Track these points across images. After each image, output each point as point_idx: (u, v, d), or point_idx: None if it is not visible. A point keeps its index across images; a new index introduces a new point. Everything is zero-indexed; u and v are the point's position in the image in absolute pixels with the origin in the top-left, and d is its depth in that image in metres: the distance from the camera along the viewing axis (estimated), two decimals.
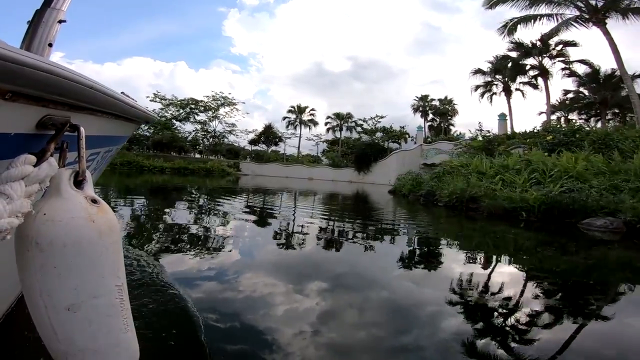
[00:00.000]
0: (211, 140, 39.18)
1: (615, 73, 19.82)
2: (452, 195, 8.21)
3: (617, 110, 20.85)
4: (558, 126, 12.66)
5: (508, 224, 5.96)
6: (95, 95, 0.72)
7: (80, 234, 0.64)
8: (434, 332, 1.68)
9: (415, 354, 1.42)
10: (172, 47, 75.33)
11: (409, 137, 36.99)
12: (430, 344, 1.53)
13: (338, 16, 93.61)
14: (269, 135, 40.02)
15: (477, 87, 25.92)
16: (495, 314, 1.98)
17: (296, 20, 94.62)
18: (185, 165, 29.69)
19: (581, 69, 20.72)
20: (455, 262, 3.34)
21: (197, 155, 38.02)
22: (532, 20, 16.59)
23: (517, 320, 1.87)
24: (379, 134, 37.09)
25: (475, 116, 67.16)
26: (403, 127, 38.18)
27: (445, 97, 38.05)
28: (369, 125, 38.80)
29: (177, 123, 37.04)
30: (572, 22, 15.59)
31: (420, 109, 38.20)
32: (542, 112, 30.95)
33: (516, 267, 3.38)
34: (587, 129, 11.75)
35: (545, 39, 18.42)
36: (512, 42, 20.35)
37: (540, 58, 20.24)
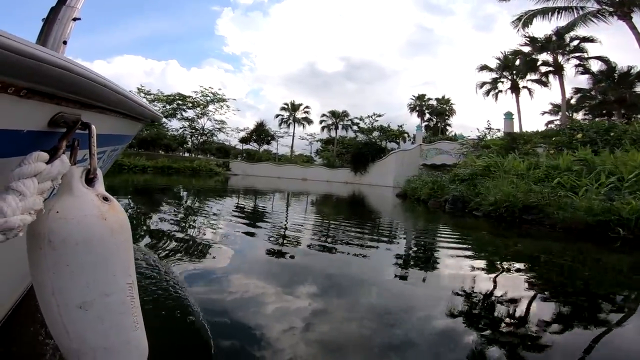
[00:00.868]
0: (200, 138, 38.92)
1: (632, 71, 20.03)
2: (501, 204, 6.88)
3: (623, 111, 21.13)
4: (587, 123, 11.97)
5: (596, 244, 4.71)
6: (107, 93, 0.75)
7: (92, 232, 0.67)
8: None
9: None
10: (164, 46, 77.32)
11: (408, 137, 37.34)
12: None
13: (332, 16, 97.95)
14: (260, 133, 39.93)
15: (483, 84, 26.10)
16: None
17: (290, 19, 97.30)
18: (169, 164, 29.18)
19: (595, 67, 20.58)
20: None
21: (186, 154, 37.74)
22: (550, 13, 16.39)
23: None
24: (375, 133, 37.33)
25: (469, 117, 69.00)
26: (401, 126, 38.54)
27: (443, 97, 38.69)
28: (365, 124, 39.06)
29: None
30: (591, 17, 15.49)
31: (417, 108, 38.64)
32: (545, 112, 31.66)
33: None
34: (622, 126, 10.72)
35: (562, 32, 18.21)
36: (525, 36, 20.20)
37: (555, 54, 20.00)
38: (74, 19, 1.63)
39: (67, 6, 1.58)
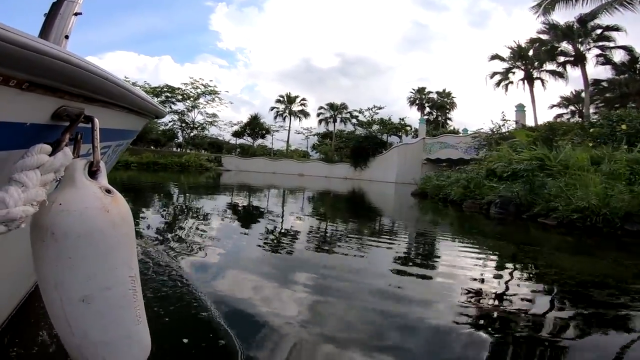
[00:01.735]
0: (190, 132, 38.77)
1: None
2: (596, 210, 5.49)
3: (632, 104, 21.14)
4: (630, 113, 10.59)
5: None
6: (109, 87, 0.79)
7: (95, 225, 0.71)
8: None
9: None
10: (157, 42, 78.97)
11: (410, 129, 37.41)
12: None
13: (327, 12, 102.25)
14: (254, 127, 39.82)
15: (494, 74, 25.95)
16: None
17: (285, 15, 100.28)
18: (155, 159, 28.89)
19: (616, 57, 20.14)
20: None
21: (177, 149, 37.62)
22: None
23: None
24: (375, 127, 37.34)
25: (465, 113, 70.47)
26: (403, 119, 38.57)
27: (444, 90, 38.67)
28: (365, 117, 39.06)
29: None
30: (617, 6, 15.33)
31: (417, 101, 38.63)
32: (554, 105, 31.69)
33: None
34: None
35: (586, 20, 17.96)
36: (545, 24, 19.91)
37: (577, 42, 19.66)
38: (75, 14, 1.70)
39: (69, 1, 1.64)
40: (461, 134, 29.01)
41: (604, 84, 24.92)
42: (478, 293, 2.52)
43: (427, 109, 38.56)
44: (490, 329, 1.90)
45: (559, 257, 4.01)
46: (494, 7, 79.29)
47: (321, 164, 34.73)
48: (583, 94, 30.00)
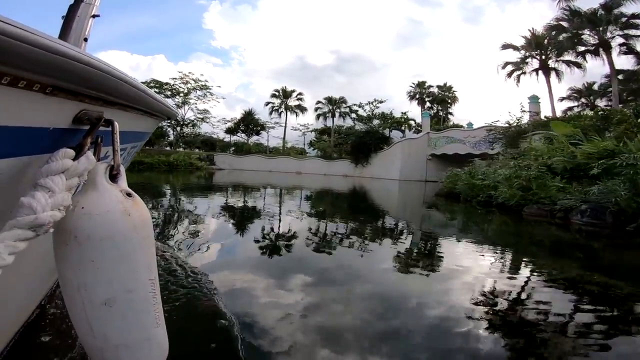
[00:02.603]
0: (181, 129, 38.71)
1: None
2: None
3: None
4: None
5: None
6: (127, 89, 0.83)
7: (117, 228, 0.76)
8: None
9: None
10: (150, 41, 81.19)
11: (415, 123, 37.48)
12: None
13: (321, 8, 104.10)
14: (249, 123, 39.79)
15: (506, 64, 25.89)
16: None
17: (279, 12, 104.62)
18: (140, 158, 28.40)
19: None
20: None
21: (168, 148, 37.60)
22: None
23: None
24: (376, 121, 37.41)
25: (462, 110, 72.12)
26: (405, 113, 38.64)
27: (445, 84, 38.96)
28: (365, 111, 39.14)
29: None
30: None
31: (417, 96, 38.84)
32: (564, 98, 31.75)
33: None
34: None
35: (612, 6, 17.92)
36: (566, 9, 19.78)
37: (601, 30, 19.47)
38: (93, 16, 1.77)
39: (86, 3, 1.68)
40: (466, 128, 29.03)
41: (620, 76, 24.93)
42: None
43: (428, 104, 38.77)
44: None
45: None
46: (487, 2, 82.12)
47: (319, 161, 34.77)
48: (595, 86, 30.42)
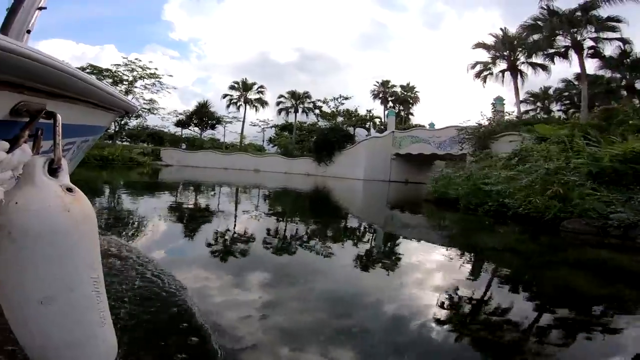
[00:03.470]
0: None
1: None
2: None
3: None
4: None
5: None
6: (73, 82, 0.84)
7: (55, 224, 0.77)
8: None
9: None
10: (101, 30, 79.43)
11: (379, 122, 38.65)
12: None
13: (287, 5, 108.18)
14: (203, 115, 38.55)
15: (476, 63, 26.80)
16: None
17: (244, 6, 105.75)
18: None
19: (607, 51, 21.00)
20: None
21: (109, 141, 35.19)
22: None
23: None
24: (340, 119, 38.11)
25: (421, 113, 78.27)
26: (370, 111, 39.76)
27: (408, 84, 40.81)
28: (329, 107, 39.68)
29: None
30: None
31: (381, 95, 40.17)
32: (522, 101, 34.43)
33: None
34: None
35: (589, 8, 18.56)
36: (544, 8, 20.23)
37: (578, 32, 20.07)
38: (40, 8, 1.80)
39: None
40: (431, 128, 30.43)
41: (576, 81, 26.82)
42: None
43: (390, 104, 40.26)
44: None
45: None
46: (447, 9, 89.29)
47: (280, 158, 34.64)
48: (550, 91, 33.26)
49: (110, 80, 34.28)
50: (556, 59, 22.52)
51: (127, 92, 35.43)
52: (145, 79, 36.09)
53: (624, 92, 24.77)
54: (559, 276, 3.85)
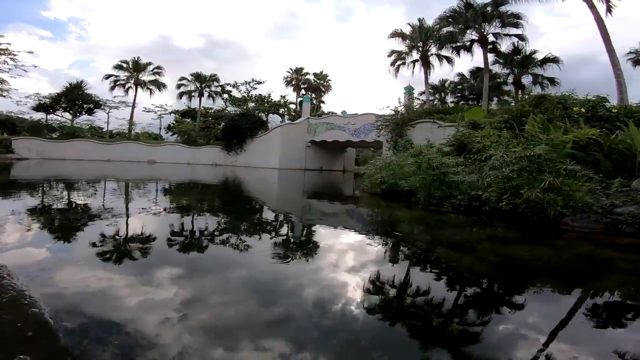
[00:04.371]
0: None
1: (534, 55, 23.03)
2: None
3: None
4: None
5: None
6: None
7: None
8: None
9: None
10: None
11: (296, 108, 36.14)
12: None
13: None
14: (76, 98, 30.63)
15: (392, 52, 26.61)
16: None
17: None
18: None
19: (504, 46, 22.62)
20: None
21: None
22: None
23: None
24: (251, 104, 34.42)
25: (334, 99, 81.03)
26: (284, 97, 37.07)
27: (321, 72, 39.95)
28: (240, 92, 35.58)
29: None
30: None
31: (294, 82, 38.61)
32: (422, 93, 35.91)
33: None
34: None
35: (499, 2, 19.38)
36: (462, 1, 20.75)
37: (485, 25, 20.92)
38: None
39: None
40: (347, 115, 29.13)
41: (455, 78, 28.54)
42: None
43: (303, 91, 38.93)
44: None
45: None
46: (358, 4, 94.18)
47: (181, 147, 29.40)
48: (447, 84, 35.36)
49: None
50: (462, 52, 23.29)
51: None
52: None
53: (509, 87, 27.57)
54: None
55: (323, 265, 2.77)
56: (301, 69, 38.86)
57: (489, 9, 20.58)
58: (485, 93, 21.66)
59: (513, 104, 15.64)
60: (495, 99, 27.99)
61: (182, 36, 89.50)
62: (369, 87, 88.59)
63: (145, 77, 34.02)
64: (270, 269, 2.63)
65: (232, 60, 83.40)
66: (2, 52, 27.82)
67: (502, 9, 20.43)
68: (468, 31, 21.64)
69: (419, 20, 25.25)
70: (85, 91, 31.38)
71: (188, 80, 34.47)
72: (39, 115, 31.95)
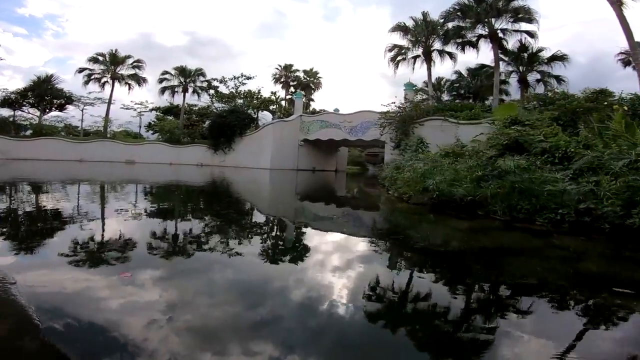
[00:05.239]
0: None
1: (541, 52, 21.80)
2: None
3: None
4: None
5: None
6: None
7: None
8: None
9: None
10: None
11: (286, 105, 33.99)
12: None
13: None
14: (45, 93, 27.62)
15: (394, 47, 24.90)
16: None
17: None
18: None
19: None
20: None
21: None
22: None
23: None
24: (240, 101, 32.02)
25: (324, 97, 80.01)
26: (275, 93, 34.87)
27: (311, 69, 38.15)
28: (228, 87, 33.12)
29: None
30: None
31: (282, 79, 36.65)
32: (419, 90, 34.48)
33: None
34: None
35: None
36: None
37: (494, 21, 19.89)
38: None
39: None
40: (343, 113, 27.22)
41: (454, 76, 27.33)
42: None
43: (292, 89, 37.01)
44: None
45: None
46: (345, 4, 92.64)
47: (163, 146, 26.86)
48: (443, 82, 34.05)
49: None
50: (466, 48, 21.97)
51: None
52: None
53: (507, 86, 26.43)
54: None
55: None
56: (290, 65, 36.76)
57: (500, 3, 19.36)
58: (495, 90, 20.48)
59: (523, 103, 14.80)
60: (490, 97, 26.89)
61: (164, 33, 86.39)
62: (356, 86, 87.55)
63: (124, 70, 31.20)
64: None
65: (217, 59, 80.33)
66: None
67: (515, 3, 19.23)
68: (478, 26, 20.34)
69: (423, 14, 23.44)
70: (56, 86, 28.41)
71: (171, 74, 31.77)
72: (5, 112, 28.92)
